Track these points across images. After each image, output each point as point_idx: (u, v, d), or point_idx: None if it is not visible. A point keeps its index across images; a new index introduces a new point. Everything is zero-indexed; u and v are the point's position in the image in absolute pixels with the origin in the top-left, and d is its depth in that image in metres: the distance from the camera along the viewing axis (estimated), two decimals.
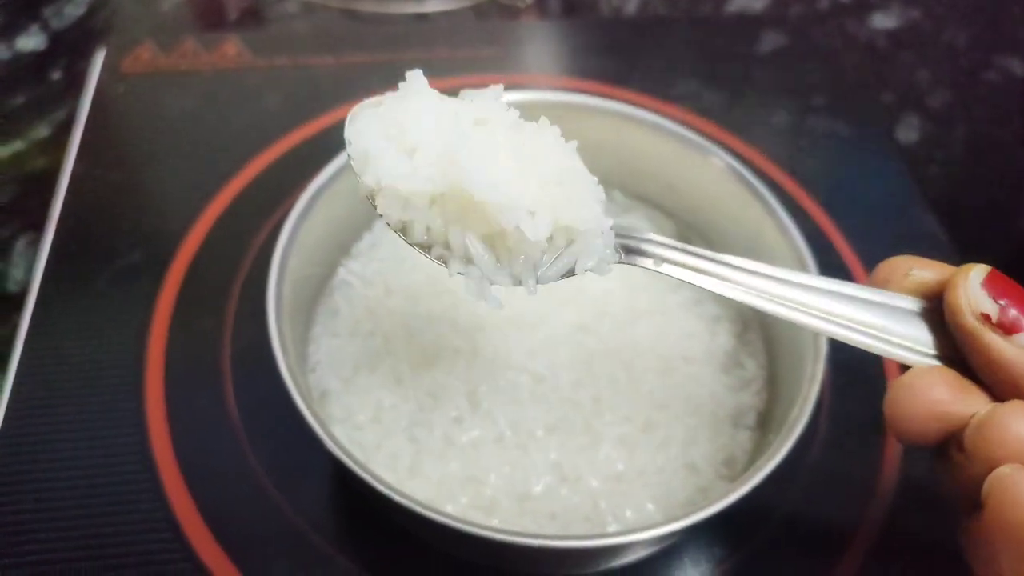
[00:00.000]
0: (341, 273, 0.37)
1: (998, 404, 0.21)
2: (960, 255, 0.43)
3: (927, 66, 0.56)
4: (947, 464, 0.22)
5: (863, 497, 0.34)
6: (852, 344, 0.24)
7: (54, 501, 0.33)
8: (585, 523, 0.30)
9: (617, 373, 0.33)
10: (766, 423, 0.33)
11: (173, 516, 0.32)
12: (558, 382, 0.33)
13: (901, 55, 0.57)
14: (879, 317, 0.23)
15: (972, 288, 0.22)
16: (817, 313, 0.24)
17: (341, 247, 0.38)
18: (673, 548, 0.32)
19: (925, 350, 0.23)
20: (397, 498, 0.25)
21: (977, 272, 0.22)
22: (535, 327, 0.34)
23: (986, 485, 0.20)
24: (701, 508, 0.26)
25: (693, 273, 0.25)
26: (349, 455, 0.26)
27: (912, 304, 0.24)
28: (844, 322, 0.24)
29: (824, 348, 0.29)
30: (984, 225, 0.48)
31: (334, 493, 0.34)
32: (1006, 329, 0.21)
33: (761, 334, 0.36)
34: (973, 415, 0.21)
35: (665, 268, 0.25)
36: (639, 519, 0.30)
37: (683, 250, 0.25)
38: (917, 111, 0.53)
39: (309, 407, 0.27)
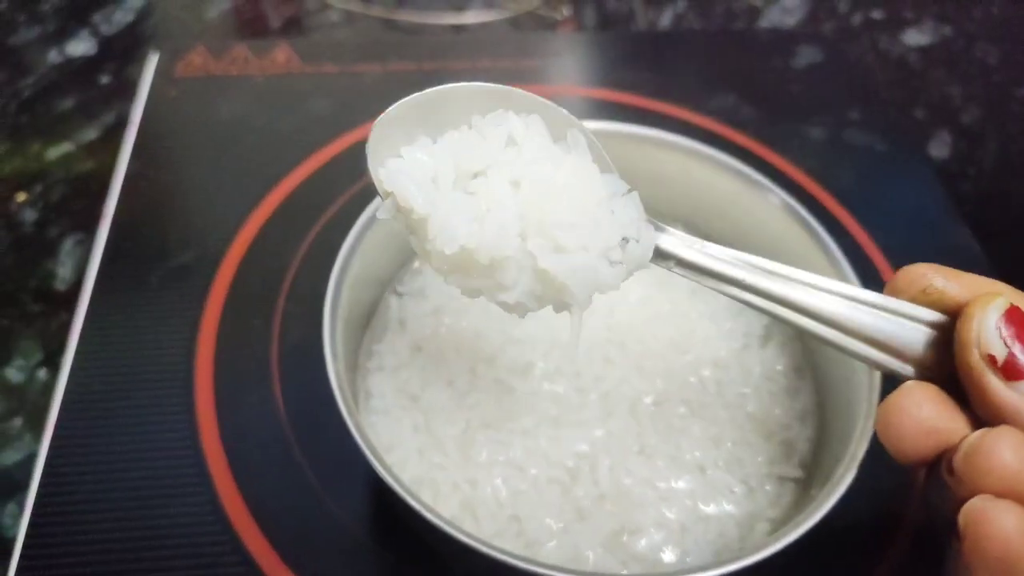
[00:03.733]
0: (397, 285, 0.38)
1: (988, 430, 0.21)
2: (995, 271, 0.43)
3: (959, 82, 0.57)
4: (936, 487, 0.22)
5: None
6: (849, 354, 0.24)
7: (106, 492, 0.34)
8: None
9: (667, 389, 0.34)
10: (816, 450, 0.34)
11: (221, 507, 0.33)
12: (613, 407, 0.33)
13: (933, 71, 0.58)
14: (888, 324, 0.23)
15: (987, 326, 0.21)
16: (820, 316, 0.24)
17: (401, 261, 0.38)
18: None
19: (921, 363, 0.23)
20: (432, 518, 0.25)
21: (995, 308, 0.22)
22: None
23: (961, 517, 0.20)
24: (753, 552, 0.26)
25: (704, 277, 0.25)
26: (388, 470, 0.26)
27: (926, 315, 0.23)
28: (845, 327, 0.23)
29: (878, 385, 0.29)
30: (1017, 242, 0.48)
31: (376, 489, 0.34)
32: (1007, 375, 0.21)
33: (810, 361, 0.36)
34: (964, 437, 0.21)
35: (678, 270, 0.25)
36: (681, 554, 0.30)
37: (698, 249, 0.25)
38: (949, 127, 0.53)
39: (353, 417, 0.27)
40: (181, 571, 0.32)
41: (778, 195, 0.35)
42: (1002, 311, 0.22)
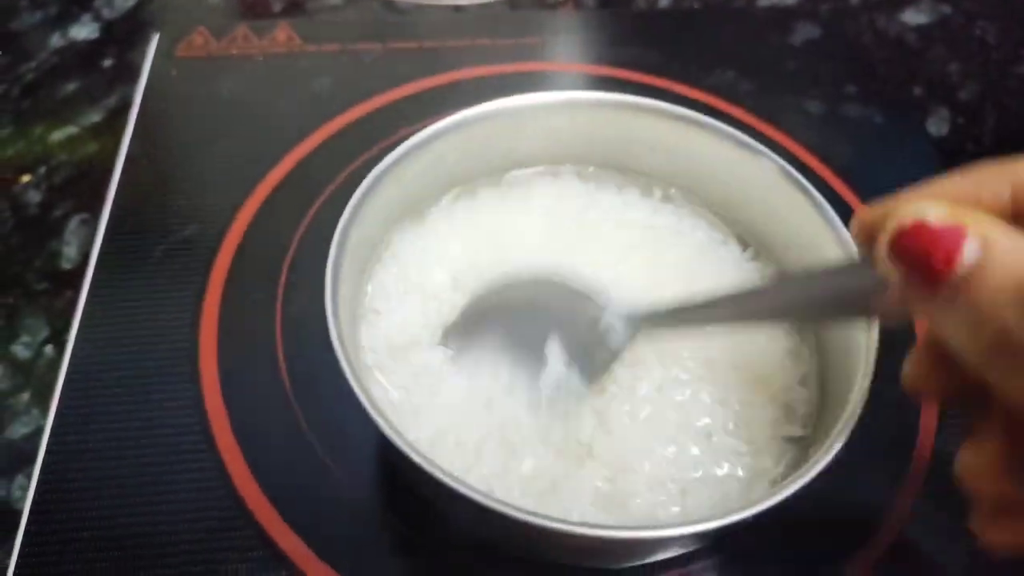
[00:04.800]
0: (397, 243, 0.38)
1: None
2: None
3: (957, 60, 0.57)
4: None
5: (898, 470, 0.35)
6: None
7: (112, 462, 0.34)
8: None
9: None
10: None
11: (227, 475, 0.34)
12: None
13: (932, 49, 0.58)
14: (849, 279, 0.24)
15: (881, 253, 0.21)
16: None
17: (406, 217, 0.38)
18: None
19: None
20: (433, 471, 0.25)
21: (882, 241, 0.21)
22: None
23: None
24: (759, 501, 0.26)
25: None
26: (391, 425, 0.27)
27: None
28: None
29: (875, 346, 0.30)
30: None
31: (380, 454, 0.35)
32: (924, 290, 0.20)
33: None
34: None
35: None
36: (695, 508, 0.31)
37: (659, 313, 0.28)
38: (947, 104, 0.53)
39: (358, 379, 0.27)
40: (188, 538, 0.32)
41: (775, 161, 0.35)
42: (889, 239, 0.21)
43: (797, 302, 0.27)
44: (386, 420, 0.26)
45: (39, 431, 0.36)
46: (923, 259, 0.20)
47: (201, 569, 0.32)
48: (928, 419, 0.37)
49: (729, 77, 0.50)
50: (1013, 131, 0.52)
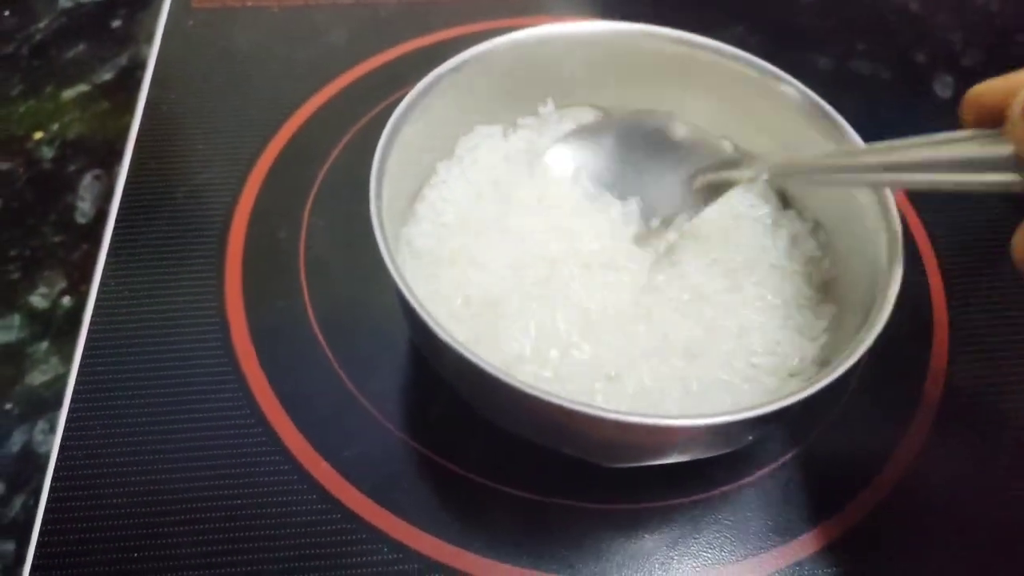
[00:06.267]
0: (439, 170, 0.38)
1: None
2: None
3: (961, 28, 0.57)
4: None
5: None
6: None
7: (139, 399, 0.35)
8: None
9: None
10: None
11: (256, 404, 0.34)
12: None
13: (936, 17, 0.58)
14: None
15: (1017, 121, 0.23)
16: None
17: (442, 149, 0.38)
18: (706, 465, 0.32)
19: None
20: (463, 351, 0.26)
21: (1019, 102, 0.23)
22: None
23: None
24: (790, 395, 0.26)
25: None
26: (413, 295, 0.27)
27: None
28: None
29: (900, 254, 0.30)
30: None
31: (405, 385, 0.36)
32: None
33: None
34: None
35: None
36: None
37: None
38: (951, 71, 0.54)
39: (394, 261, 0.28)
40: (221, 470, 0.33)
41: (798, 88, 0.36)
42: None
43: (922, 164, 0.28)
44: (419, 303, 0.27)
45: (59, 378, 0.36)
46: None
47: (237, 503, 0.32)
48: (939, 355, 0.37)
49: (739, 32, 0.51)
50: None
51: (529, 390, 0.25)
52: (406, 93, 0.33)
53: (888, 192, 0.32)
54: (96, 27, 0.54)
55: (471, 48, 0.35)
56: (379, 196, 0.29)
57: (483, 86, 0.36)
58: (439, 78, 0.34)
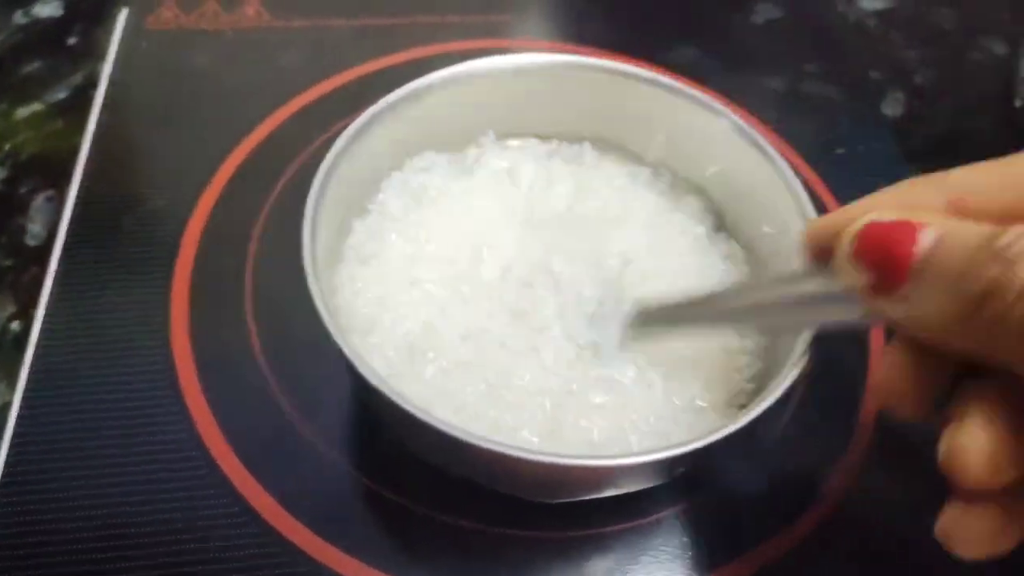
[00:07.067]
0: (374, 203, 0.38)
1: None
2: None
3: (915, 46, 0.58)
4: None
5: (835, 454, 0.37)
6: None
7: (86, 420, 0.35)
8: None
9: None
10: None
11: (201, 442, 0.34)
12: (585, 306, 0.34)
13: (890, 35, 0.59)
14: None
15: (842, 260, 0.22)
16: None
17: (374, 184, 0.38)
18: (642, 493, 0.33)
19: None
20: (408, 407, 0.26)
21: (843, 247, 0.22)
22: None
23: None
24: (716, 431, 0.27)
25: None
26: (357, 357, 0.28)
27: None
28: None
29: None
30: None
31: (350, 417, 0.36)
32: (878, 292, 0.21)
33: None
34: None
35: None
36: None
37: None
38: (903, 88, 0.55)
39: (331, 321, 0.28)
40: (163, 503, 0.33)
41: (730, 119, 0.36)
42: (849, 244, 0.22)
43: (761, 306, 0.29)
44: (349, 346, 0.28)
45: (4, 406, 0.36)
46: (885, 252, 0.21)
47: (181, 537, 0.32)
48: (876, 372, 0.38)
49: (691, 54, 0.52)
50: (965, 115, 0.54)
51: (453, 432, 0.26)
52: (359, 116, 0.34)
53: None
54: (52, 44, 0.53)
55: (404, 85, 0.35)
56: (312, 253, 0.29)
57: (420, 119, 0.37)
58: (373, 117, 0.35)
